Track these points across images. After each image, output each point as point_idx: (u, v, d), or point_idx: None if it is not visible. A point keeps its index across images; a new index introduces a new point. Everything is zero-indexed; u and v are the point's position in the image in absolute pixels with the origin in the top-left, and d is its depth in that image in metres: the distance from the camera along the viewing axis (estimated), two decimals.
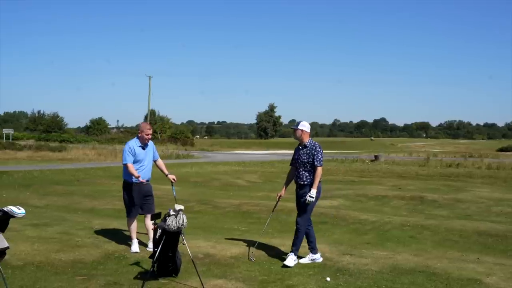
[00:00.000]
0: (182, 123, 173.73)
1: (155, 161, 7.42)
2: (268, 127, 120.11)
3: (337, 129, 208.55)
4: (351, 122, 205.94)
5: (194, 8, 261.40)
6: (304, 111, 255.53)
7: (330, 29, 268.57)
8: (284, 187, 7.08)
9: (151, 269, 5.59)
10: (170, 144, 62.44)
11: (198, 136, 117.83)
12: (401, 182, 19.79)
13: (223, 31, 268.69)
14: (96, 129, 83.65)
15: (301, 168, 6.68)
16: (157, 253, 5.42)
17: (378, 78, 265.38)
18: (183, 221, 5.38)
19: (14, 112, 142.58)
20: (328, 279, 6.00)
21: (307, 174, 6.63)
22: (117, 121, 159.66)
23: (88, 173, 21.41)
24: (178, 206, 5.53)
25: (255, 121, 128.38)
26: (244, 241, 7.81)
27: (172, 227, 5.33)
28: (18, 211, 4.46)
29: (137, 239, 7.19)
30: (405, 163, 32.24)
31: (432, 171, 26.46)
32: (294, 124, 6.99)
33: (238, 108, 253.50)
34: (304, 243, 6.90)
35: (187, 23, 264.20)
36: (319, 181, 6.66)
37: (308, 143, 6.69)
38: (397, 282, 5.92)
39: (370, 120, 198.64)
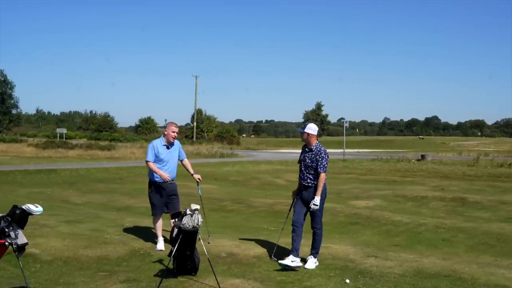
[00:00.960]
0: (230, 122, 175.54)
1: (181, 161, 7.53)
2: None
3: (387, 128, 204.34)
4: (401, 120, 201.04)
5: (249, 7, 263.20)
6: (353, 110, 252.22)
7: (380, 28, 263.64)
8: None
9: (168, 266, 5.69)
10: (216, 143, 63.27)
11: (244, 135, 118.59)
12: (445, 182, 19.19)
13: (269, 30, 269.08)
14: (145, 128, 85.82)
15: (305, 171, 6.63)
16: (173, 251, 5.51)
17: (430, 75, 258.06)
18: (198, 221, 5.44)
19: (70, 112, 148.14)
20: (347, 281, 5.92)
21: (311, 177, 6.59)
22: (165, 120, 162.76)
23: (132, 171, 21.99)
24: (194, 206, 5.60)
25: (302, 120, 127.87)
26: (270, 241, 7.80)
27: (187, 226, 5.40)
28: (36, 209, 4.65)
29: (163, 237, 7.33)
30: (453, 163, 31.20)
31: (481, 171, 25.46)
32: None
33: (286, 106, 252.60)
34: (304, 243, 6.78)
35: (240, 22, 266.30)
36: (324, 184, 6.61)
37: (314, 147, 6.62)
38: (419, 286, 5.77)
39: (421, 118, 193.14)
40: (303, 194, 6.69)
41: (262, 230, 9.18)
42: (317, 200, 6.48)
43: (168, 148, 7.22)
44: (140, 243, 7.37)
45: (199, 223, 5.47)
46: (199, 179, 7.54)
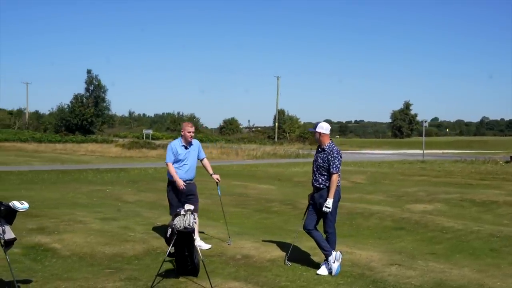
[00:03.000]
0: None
1: (201, 160, 7.50)
2: (403, 125, 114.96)
3: (485, 128, 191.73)
4: (502, 119, 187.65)
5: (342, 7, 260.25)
6: (447, 109, 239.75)
7: (476, 24, 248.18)
8: None
9: (162, 264, 5.66)
10: (298, 144, 63.05)
11: None
12: None
13: (356, 30, 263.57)
14: (229, 129, 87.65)
15: (317, 171, 6.28)
16: (168, 251, 5.47)
17: None
18: (190, 222, 5.35)
19: (163, 113, 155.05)
20: None
21: (323, 178, 6.24)
22: (248, 121, 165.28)
23: (199, 171, 22.40)
24: (187, 206, 5.53)
25: (389, 121, 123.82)
26: (295, 244, 7.52)
27: (178, 226, 5.34)
28: (21, 206, 4.81)
29: (197, 236, 7.30)
30: None
31: None
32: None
33: (375, 106, 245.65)
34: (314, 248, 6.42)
35: (331, 21, 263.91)
36: (338, 185, 6.23)
37: (327, 147, 6.26)
38: None
39: None
40: (315, 196, 6.37)
41: (293, 233, 8.88)
42: (329, 202, 6.13)
43: (186, 148, 7.22)
44: (160, 242, 7.43)
45: (191, 224, 5.37)
46: (218, 179, 7.47)
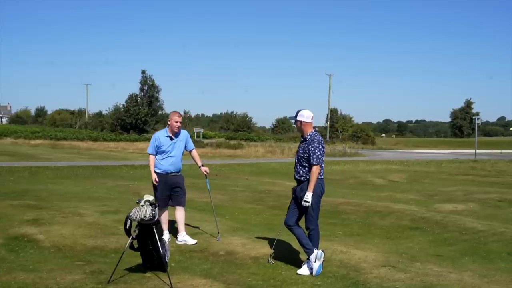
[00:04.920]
0: (378, 122, 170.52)
1: (189, 152, 7.21)
2: (463, 125, 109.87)
3: None
4: None
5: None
6: None
7: None
8: None
9: (120, 253, 5.40)
10: (350, 143, 61.79)
11: (384, 135, 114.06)
12: None
13: (415, 28, 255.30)
14: (281, 128, 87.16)
15: (298, 163, 5.80)
16: (128, 244, 5.21)
17: None
18: (146, 213, 5.04)
19: (221, 113, 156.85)
20: None
21: (304, 170, 5.75)
22: None
23: (234, 168, 22.28)
24: (146, 197, 5.21)
25: (449, 120, 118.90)
26: (288, 242, 7.08)
27: (134, 217, 5.05)
28: None
29: (183, 230, 7.04)
30: None
31: None
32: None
33: (436, 105, 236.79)
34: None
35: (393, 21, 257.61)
36: (320, 178, 5.71)
37: (309, 136, 5.76)
38: None
39: None
40: (296, 190, 5.91)
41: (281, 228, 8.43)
42: (308, 196, 5.65)
43: (172, 139, 6.93)
44: None
45: (147, 216, 5.06)
46: (206, 172, 7.16)
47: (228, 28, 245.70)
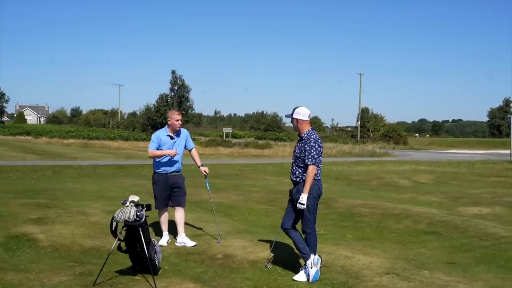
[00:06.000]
0: (413, 122, 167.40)
1: (189, 151, 7.02)
2: (502, 124, 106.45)
3: None
4: None
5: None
6: None
7: None
8: None
9: (105, 260, 5.23)
10: (382, 143, 60.65)
11: (417, 135, 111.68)
12: None
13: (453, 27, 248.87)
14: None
15: (294, 163, 5.52)
16: (113, 246, 5.05)
17: None
18: (129, 214, 4.86)
19: (253, 113, 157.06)
20: None
21: (300, 171, 5.48)
22: (332, 120, 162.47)
23: (256, 168, 22.04)
24: (132, 197, 5.03)
25: (487, 119, 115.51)
26: (277, 241, 6.77)
27: (117, 218, 4.88)
28: None
29: (182, 232, 6.86)
30: None
31: None
32: None
33: (474, 105, 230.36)
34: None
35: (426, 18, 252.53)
36: (317, 179, 5.41)
37: (305, 135, 5.47)
38: None
39: None
40: (292, 191, 5.64)
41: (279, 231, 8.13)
42: (303, 198, 5.37)
43: (172, 138, 6.76)
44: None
45: (131, 217, 4.88)
46: (205, 172, 6.95)
47: (262, 30, 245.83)
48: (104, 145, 43.77)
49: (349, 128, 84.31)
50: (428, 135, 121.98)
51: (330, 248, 6.81)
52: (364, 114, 76.40)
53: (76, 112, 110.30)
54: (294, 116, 5.57)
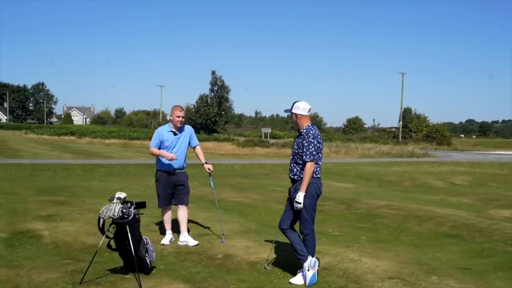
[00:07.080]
0: (460, 122, 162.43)
1: (193, 148, 6.85)
2: None
3: None
4: None
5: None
6: None
7: None
8: None
9: (92, 258, 5.12)
10: (424, 143, 59.04)
11: (463, 136, 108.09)
12: None
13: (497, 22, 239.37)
14: (352, 128, 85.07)
15: (292, 160, 5.24)
16: (101, 243, 4.95)
17: None
18: (114, 212, 4.73)
19: None
20: None
21: (298, 168, 5.21)
22: (373, 120, 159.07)
23: (287, 168, 21.70)
24: (118, 194, 4.90)
25: None
26: (277, 240, 6.50)
27: (102, 215, 4.76)
28: None
29: (185, 231, 6.71)
30: None
31: None
32: None
33: None
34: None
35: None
36: (316, 177, 5.12)
37: (304, 131, 5.18)
38: None
39: None
40: (290, 190, 5.38)
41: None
42: (300, 197, 5.10)
43: (175, 134, 6.61)
44: (150, 235, 6.91)
45: (116, 214, 4.75)
46: (209, 169, 6.76)
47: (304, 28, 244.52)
48: (143, 145, 44.41)
49: (393, 129, 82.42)
50: (474, 136, 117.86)
51: (339, 250, 6.49)
52: (407, 114, 74.61)
53: (119, 112, 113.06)
54: (293, 110, 5.32)
